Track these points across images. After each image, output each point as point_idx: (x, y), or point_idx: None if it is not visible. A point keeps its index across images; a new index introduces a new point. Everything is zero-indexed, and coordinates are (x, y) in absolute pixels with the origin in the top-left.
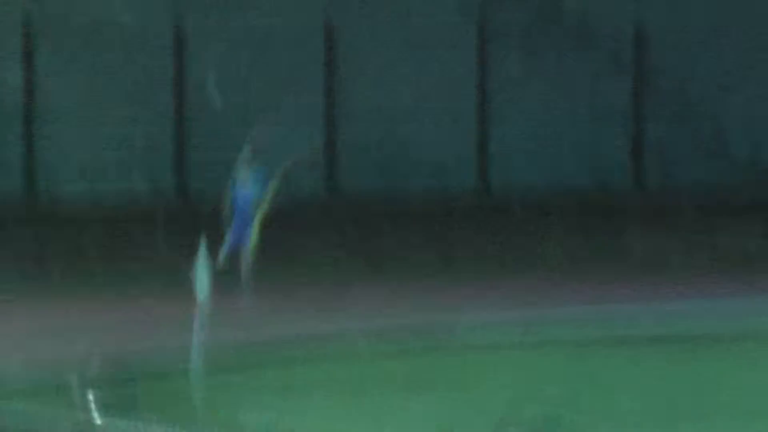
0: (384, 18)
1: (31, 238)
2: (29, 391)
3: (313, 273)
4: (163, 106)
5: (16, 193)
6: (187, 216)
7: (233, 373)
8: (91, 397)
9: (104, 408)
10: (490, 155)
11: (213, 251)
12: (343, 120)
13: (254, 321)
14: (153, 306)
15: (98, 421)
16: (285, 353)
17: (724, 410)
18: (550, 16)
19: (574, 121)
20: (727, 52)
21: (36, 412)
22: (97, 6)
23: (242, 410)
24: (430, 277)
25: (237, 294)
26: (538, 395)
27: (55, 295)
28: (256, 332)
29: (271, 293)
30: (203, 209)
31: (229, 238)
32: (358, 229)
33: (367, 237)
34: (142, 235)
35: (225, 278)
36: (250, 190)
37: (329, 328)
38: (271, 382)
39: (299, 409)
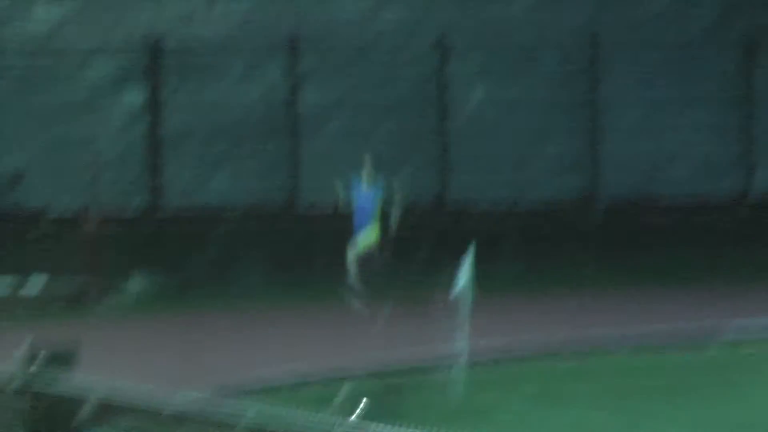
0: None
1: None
2: (298, 397)
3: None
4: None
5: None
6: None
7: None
8: (359, 405)
9: (368, 416)
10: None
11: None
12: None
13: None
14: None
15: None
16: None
17: None
18: None
19: None
20: None
21: (303, 416)
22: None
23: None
24: (691, 284)
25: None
26: None
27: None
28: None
29: (519, 300)
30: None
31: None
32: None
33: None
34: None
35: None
36: (368, 193)
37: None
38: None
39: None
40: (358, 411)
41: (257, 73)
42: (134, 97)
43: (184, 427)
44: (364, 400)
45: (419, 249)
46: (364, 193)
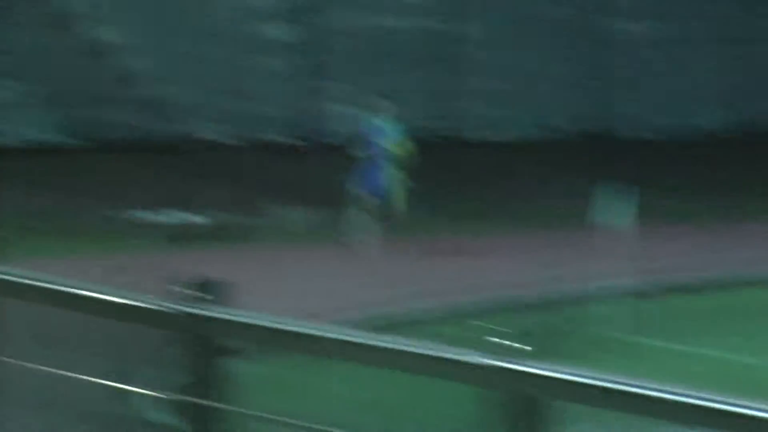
0: None
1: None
2: (446, 331)
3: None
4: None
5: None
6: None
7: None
8: (510, 340)
9: (520, 351)
10: None
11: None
12: None
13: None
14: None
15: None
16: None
17: None
18: None
19: None
20: None
21: (451, 351)
22: None
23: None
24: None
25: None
26: None
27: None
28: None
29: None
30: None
31: (365, 182)
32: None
33: None
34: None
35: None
36: (383, 136)
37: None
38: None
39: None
40: (509, 345)
41: (415, 3)
42: (292, 27)
43: (340, 357)
44: (514, 335)
45: (579, 176)
46: (377, 134)
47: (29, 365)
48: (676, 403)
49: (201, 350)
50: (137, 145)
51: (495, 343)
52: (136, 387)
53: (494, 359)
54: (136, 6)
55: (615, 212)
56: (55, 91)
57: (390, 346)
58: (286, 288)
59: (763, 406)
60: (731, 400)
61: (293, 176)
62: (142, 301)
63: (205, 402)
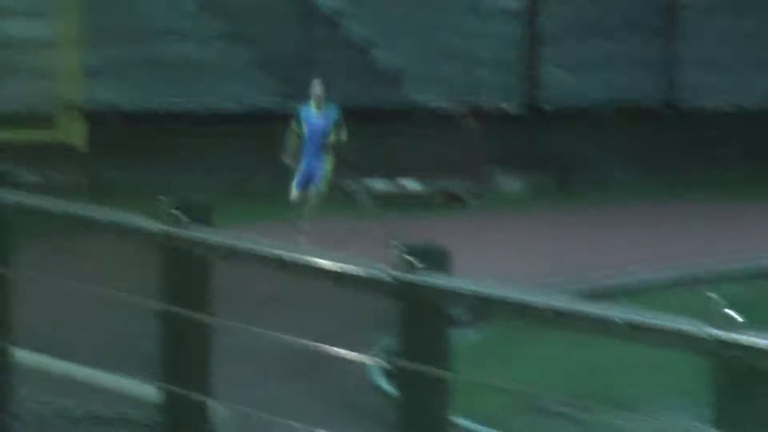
0: None
1: None
2: (664, 300)
3: None
4: None
5: None
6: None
7: None
8: (725, 309)
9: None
10: None
11: None
12: None
13: None
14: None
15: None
16: None
17: None
18: None
19: None
20: None
21: (673, 320)
22: None
23: None
24: None
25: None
26: None
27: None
28: None
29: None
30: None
31: (302, 168)
32: None
33: None
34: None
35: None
36: (321, 120)
37: None
38: None
39: None
40: (724, 314)
41: None
42: None
43: (558, 326)
44: (726, 304)
45: None
46: (315, 118)
47: (252, 328)
48: None
49: (416, 318)
50: (354, 112)
51: (711, 312)
52: (353, 352)
53: (707, 329)
54: None
55: None
56: (274, 56)
57: (602, 313)
58: (501, 255)
59: None
60: None
61: (512, 143)
62: (358, 267)
63: (420, 369)
